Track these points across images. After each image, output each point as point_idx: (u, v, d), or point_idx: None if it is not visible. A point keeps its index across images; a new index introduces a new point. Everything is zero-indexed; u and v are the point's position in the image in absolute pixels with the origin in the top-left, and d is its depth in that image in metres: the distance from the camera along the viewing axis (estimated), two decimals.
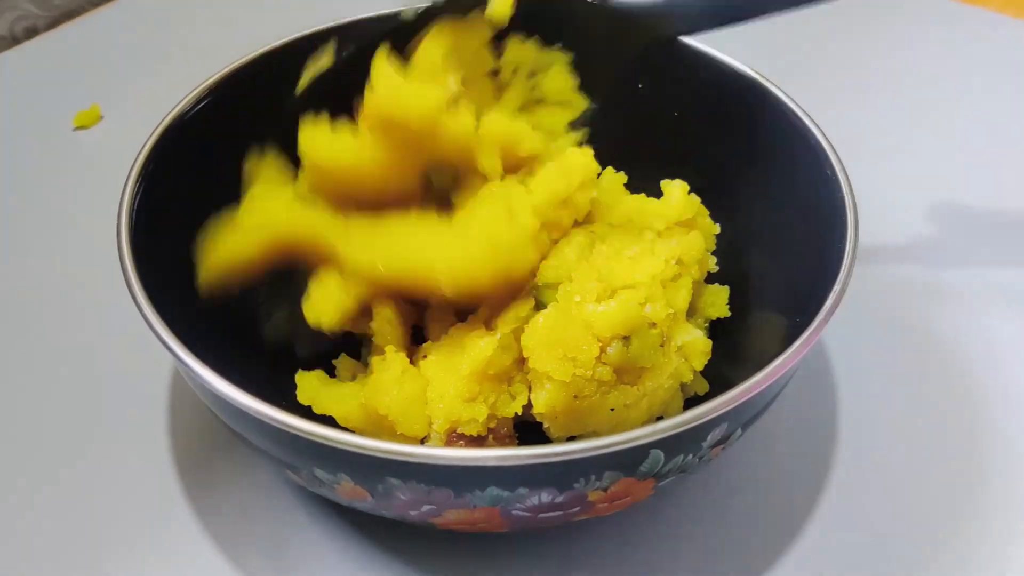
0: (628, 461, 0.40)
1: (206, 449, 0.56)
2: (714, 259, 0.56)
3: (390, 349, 0.49)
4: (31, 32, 0.96)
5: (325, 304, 0.49)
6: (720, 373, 0.53)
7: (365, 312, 0.51)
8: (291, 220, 0.49)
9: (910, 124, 0.81)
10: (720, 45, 0.57)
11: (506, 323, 0.48)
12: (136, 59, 0.90)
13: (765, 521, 0.53)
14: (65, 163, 0.77)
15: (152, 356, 0.57)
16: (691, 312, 0.54)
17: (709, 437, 0.42)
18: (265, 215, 0.49)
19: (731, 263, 0.58)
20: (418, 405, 0.47)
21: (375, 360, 0.50)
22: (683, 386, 0.52)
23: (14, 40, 0.95)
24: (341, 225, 0.49)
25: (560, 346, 0.46)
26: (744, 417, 0.44)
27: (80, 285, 0.66)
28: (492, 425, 0.48)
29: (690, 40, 0.57)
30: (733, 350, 0.54)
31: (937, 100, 0.84)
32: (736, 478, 0.55)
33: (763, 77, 0.56)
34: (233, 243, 0.49)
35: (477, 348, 0.47)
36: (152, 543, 0.51)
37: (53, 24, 0.97)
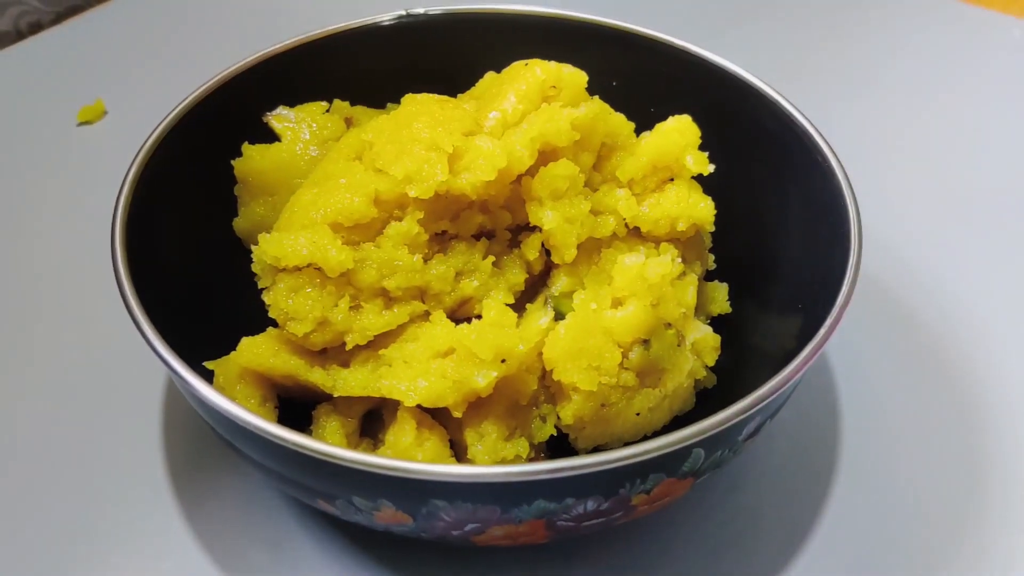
0: (672, 462, 0.40)
1: (199, 455, 0.55)
2: (712, 257, 0.57)
3: (401, 411, 0.47)
4: (35, 27, 0.95)
5: (333, 436, 0.48)
6: (720, 366, 0.53)
7: None
8: (276, 366, 0.47)
9: (912, 125, 0.82)
10: (719, 47, 0.58)
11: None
12: (140, 54, 0.89)
13: (773, 517, 0.54)
14: (69, 158, 0.76)
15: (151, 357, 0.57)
16: (695, 310, 0.54)
17: (745, 430, 0.42)
18: (253, 360, 0.48)
19: (726, 258, 0.58)
20: (444, 460, 0.46)
21: (389, 424, 0.48)
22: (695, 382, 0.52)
23: (18, 35, 0.94)
24: (318, 368, 0.48)
25: (583, 356, 0.46)
26: (775, 407, 0.44)
27: (83, 280, 0.65)
28: (532, 456, 0.48)
29: (674, 39, 0.58)
30: (731, 343, 0.54)
31: (939, 101, 0.85)
32: (740, 475, 0.55)
33: (748, 72, 0.56)
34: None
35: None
36: (143, 548, 0.51)
37: (57, 19, 0.95)
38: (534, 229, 0.50)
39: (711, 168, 0.51)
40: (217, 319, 0.51)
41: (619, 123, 0.52)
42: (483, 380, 0.45)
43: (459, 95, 0.55)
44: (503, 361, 0.45)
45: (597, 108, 0.50)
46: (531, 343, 0.46)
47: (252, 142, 0.55)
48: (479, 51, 0.61)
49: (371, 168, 0.47)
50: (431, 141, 0.47)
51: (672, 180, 0.51)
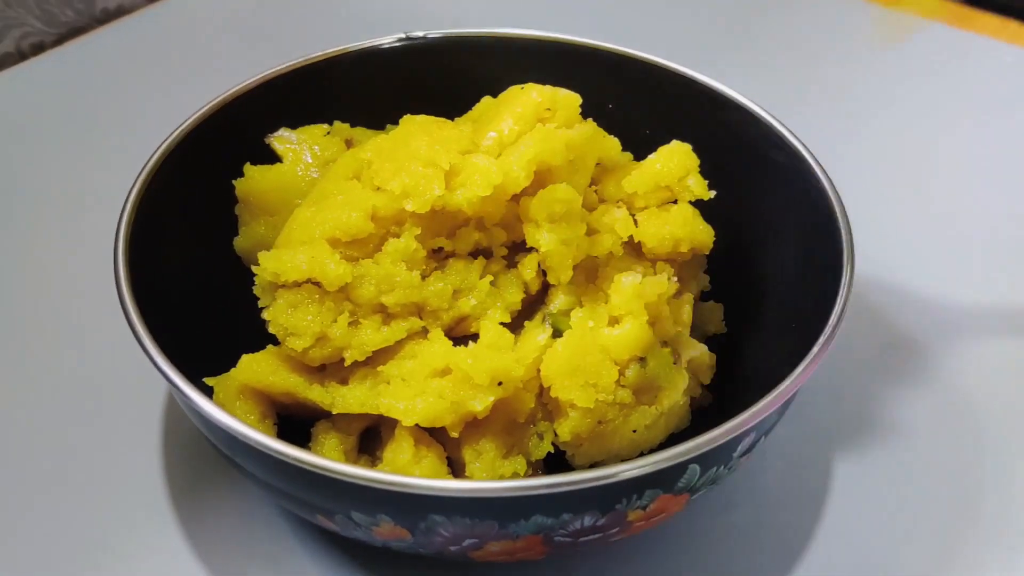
0: (668, 478, 0.41)
1: (199, 471, 0.56)
2: (707, 277, 0.57)
3: (399, 429, 0.47)
4: (38, 48, 0.96)
5: (332, 452, 0.49)
6: (715, 384, 0.54)
7: None
8: (275, 383, 0.48)
9: (906, 148, 0.83)
10: (713, 71, 0.59)
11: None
12: (143, 75, 0.90)
13: (769, 533, 0.54)
14: (72, 178, 0.77)
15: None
16: (691, 329, 0.55)
17: (740, 447, 0.43)
18: (252, 377, 0.48)
19: (720, 279, 0.59)
20: (442, 478, 0.47)
21: (387, 440, 0.49)
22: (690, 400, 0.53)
23: (21, 56, 0.95)
24: (317, 385, 0.48)
25: (581, 374, 0.46)
26: (769, 425, 0.45)
27: (87, 297, 0.65)
28: (530, 474, 0.48)
29: (669, 63, 0.59)
30: (726, 362, 0.55)
31: (933, 125, 0.86)
32: (735, 492, 0.56)
33: (741, 95, 0.57)
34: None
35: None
36: (143, 564, 0.52)
37: (60, 41, 0.96)
38: (531, 249, 0.51)
39: (711, 194, 0.52)
40: (217, 337, 0.52)
41: (612, 146, 0.53)
42: (480, 405, 0.45)
43: (456, 118, 0.56)
44: (500, 384, 0.45)
45: (590, 130, 0.51)
46: (528, 361, 0.47)
47: (254, 163, 0.55)
48: (477, 74, 0.62)
49: (369, 186, 0.48)
50: (428, 158, 0.47)
51: (675, 202, 0.52)
